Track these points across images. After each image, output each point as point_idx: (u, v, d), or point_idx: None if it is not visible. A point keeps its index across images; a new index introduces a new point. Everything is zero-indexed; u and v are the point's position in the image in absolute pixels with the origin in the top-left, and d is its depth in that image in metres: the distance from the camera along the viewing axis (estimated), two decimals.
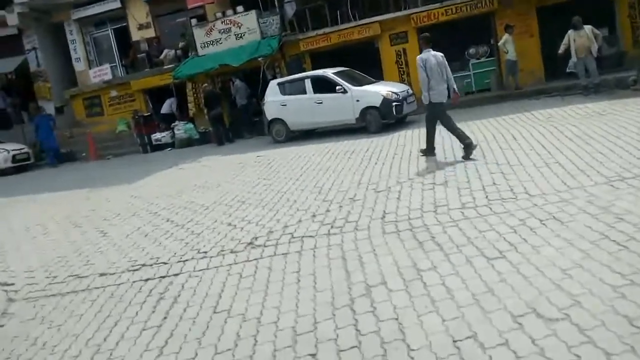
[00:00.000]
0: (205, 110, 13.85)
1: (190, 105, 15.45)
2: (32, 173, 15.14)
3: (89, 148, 15.76)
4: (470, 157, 6.52)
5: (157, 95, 16.78)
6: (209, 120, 13.72)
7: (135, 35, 18.04)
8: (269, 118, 11.55)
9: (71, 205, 8.18)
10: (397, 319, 2.97)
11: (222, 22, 14.95)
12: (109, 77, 17.31)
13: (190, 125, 14.76)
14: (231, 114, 14.56)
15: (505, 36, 11.61)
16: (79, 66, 18.89)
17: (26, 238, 6.39)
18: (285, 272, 4.06)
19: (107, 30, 18.97)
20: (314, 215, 5.35)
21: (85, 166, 14.78)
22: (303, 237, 4.78)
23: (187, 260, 4.79)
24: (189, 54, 15.80)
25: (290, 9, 14.38)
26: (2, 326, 4.20)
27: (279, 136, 11.50)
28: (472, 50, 13.04)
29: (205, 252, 4.89)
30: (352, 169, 7.30)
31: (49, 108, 19.06)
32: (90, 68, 18.61)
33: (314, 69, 13.62)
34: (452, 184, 5.47)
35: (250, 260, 4.48)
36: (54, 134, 16.28)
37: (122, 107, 17.20)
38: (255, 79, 14.13)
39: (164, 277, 4.53)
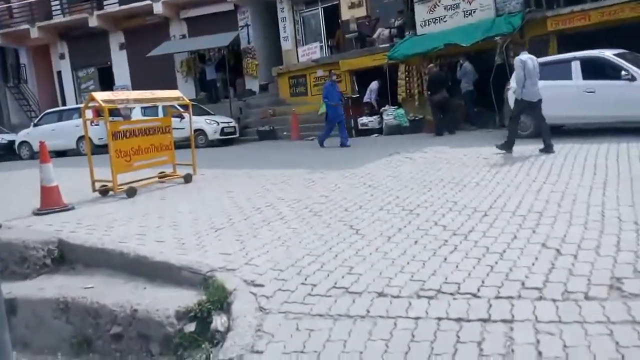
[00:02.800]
0: (428, 95, 12.23)
1: (400, 90, 14.02)
2: (237, 147, 15.10)
3: (292, 128, 15.26)
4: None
5: (362, 78, 15.72)
6: (430, 106, 12.09)
7: (346, 14, 17.22)
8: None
9: (296, 187, 7.12)
10: None
11: None
12: (317, 56, 16.74)
13: (402, 111, 13.33)
14: (451, 101, 12.77)
15: None
16: (286, 45, 18.71)
17: (261, 222, 5.35)
18: None
19: (317, 9, 18.46)
20: None
21: (287, 145, 14.25)
22: None
23: (512, 297, 3.14)
24: (405, 33, 14.35)
25: None
26: (260, 352, 2.98)
27: (523, 130, 9.40)
28: None
29: (539, 290, 3.19)
30: None
31: (254, 85, 19.28)
32: (297, 47, 18.30)
33: (560, 53, 11.21)
34: None
35: None
36: (342, 105, 12.72)
37: None
38: (480, 63, 12.20)
39: (486, 320, 2.93)
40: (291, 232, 4.90)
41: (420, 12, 13.66)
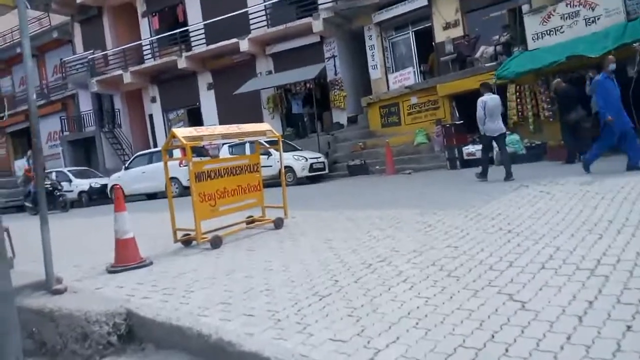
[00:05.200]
0: (560, 115, 10.43)
1: (510, 113, 12.34)
2: (327, 184, 14.00)
3: (387, 161, 13.95)
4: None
5: (462, 102, 14.17)
6: (563, 128, 10.25)
7: (440, 35, 15.89)
8: None
9: (410, 234, 5.75)
10: None
11: (567, 5, 11.48)
12: (410, 82, 15.46)
13: (516, 137, 11.60)
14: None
15: None
16: (375, 74, 17.64)
17: (378, 286, 4.03)
18: None
19: (408, 33, 17.27)
20: None
21: (382, 181, 12.93)
22: None
23: None
24: (513, 49, 12.72)
25: None
26: None
27: None
28: None
29: None
30: None
31: (342, 118, 18.33)
32: (386, 75, 17.17)
33: None
34: None
35: None
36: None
37: (422, 116, 15.12)
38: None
39: None
40: (424, 305, 3.53)
41: (532, 25, 12.03)
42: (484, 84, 9.70)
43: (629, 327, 2.80)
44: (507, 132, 9.81)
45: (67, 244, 7.99)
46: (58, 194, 15.81)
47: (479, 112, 9.09)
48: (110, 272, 5.44)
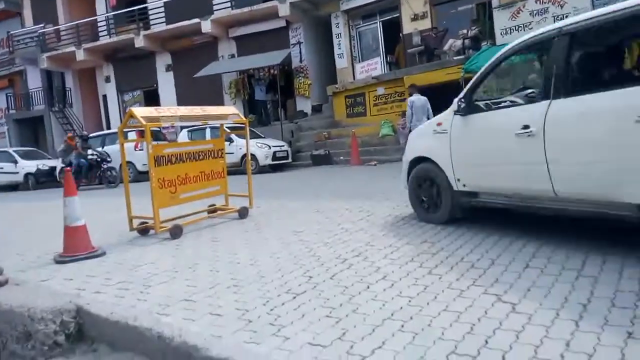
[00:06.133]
0: None
1: None
2: (290, 173, 13.66)
3: (352, 151, 13.73)
4: None
5: (430, 95, 14.05)
6: None
7: (408, 27, 15.75)
8: None
9: (384, 227, 5.53)
10: None
11: (536, 2, 11.50)
12: (378, 72, 15.23)
13: None
14: None
15: None
16: (341, 63, 17.37)
17: (355, 282, 3.76)
18: None
19: (376, 22, 17.05)
20: None
21: (347, 171, 12.70)
22: None
23: None
24: (482, 43, 12.69)
25: None
26: None
27: None
28: None
29: None
30: None
31: (306, 106, 17.99)
32: (353, 65, 16.92)
33: None
34: None
35: None
36: None
37: (388, 108, 14.93)
38: None
39: None
40: (407, 305, 3.27)
41: (501, 20, 12.03)
42: (412, 85, 10.80)
43: (629, 334, 2.63)
44: None
45: (12, 231, 7.39)
46: (106, 166, 14.09)
47: (408, 111, 10.33)
48: (58, 262, 4.97)
